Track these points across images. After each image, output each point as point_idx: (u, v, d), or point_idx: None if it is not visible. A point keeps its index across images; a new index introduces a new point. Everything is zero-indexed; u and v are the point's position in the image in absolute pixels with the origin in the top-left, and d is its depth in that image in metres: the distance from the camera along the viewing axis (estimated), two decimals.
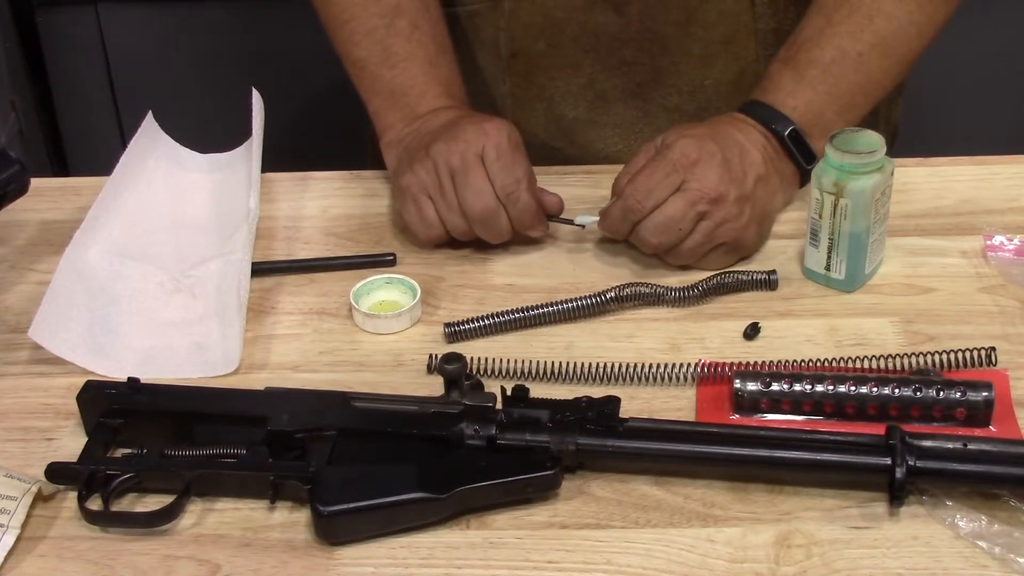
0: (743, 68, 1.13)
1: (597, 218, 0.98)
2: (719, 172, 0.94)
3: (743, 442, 0.78)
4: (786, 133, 1.00)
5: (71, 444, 0.83)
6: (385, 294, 0.97)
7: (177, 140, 1.13)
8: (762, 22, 1.11)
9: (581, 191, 1.10)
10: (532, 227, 0.99)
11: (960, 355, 0.87)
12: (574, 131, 1.17)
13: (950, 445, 0.76)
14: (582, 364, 0.88)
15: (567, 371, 0.88)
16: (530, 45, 1.14)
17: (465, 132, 0.98)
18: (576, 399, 0.81)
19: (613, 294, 0.94)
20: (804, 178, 1.03)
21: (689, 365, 0.87)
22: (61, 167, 2.18)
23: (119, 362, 0.90)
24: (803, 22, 1.04)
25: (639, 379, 0.87)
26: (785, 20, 1.11)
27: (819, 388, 0.82)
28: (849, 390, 0.82)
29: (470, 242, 1.02)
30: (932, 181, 1.10)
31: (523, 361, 0.88)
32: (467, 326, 0.93)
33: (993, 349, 0.88)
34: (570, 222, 1.00)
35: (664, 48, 1.12)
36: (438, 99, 1.06)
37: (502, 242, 1.00)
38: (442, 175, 0.97)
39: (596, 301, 0.94)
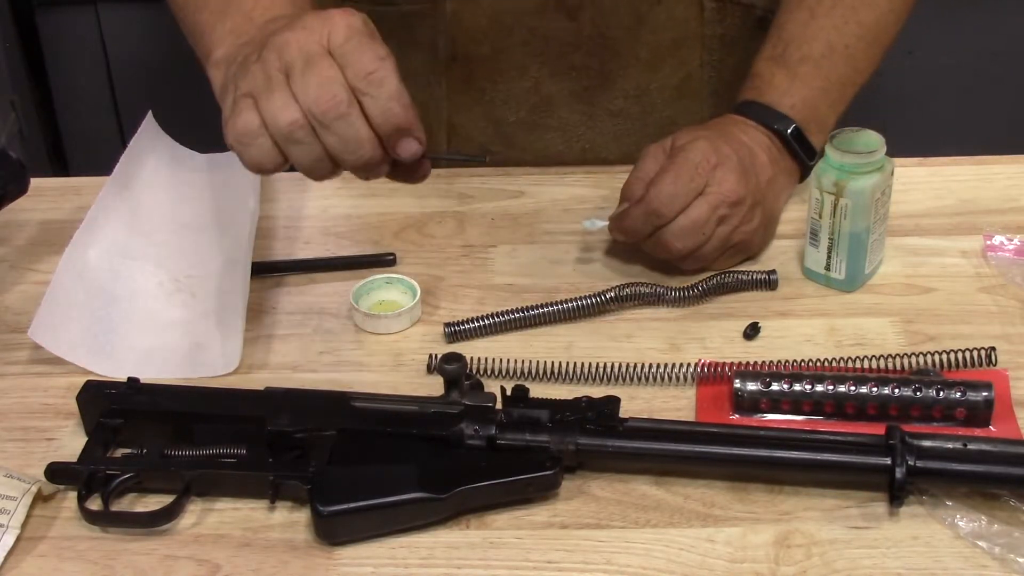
0: (688, 73, 1.13)
1: (606, 222, 0.97)
2: (737, 175, 0.94)
3: (743, 442, 0.78)
4: (788, 132, 1.00)
5: (71, 444, 0.83)
6: (385, 294, 0.97)
7: (177, 140, 1.13)
8: (709, 28, 1.12)
9: (582, 191, 1.10)
10: (406, 128, 0.78)
11: (960, 355, 0.87)
12: (514, 134, 1.15)
13: (950, 445, 0.76)
14: (582, 364, 0.88)
15: (567, 371, 0.88)
16: (472, 49, 1.11)
17: (305, 21, 0.78)
18: (576, 399, 0.81)
19: (613, 294, 0.94)
20: (804, 174, 1.03)
21: (689, 365, 0.87)
22: (61, 167, 2.18)
23: (119, 362, 0.90)
24: (783, 16, 1.04)
25: (639, 379, 0.87)
26: (731, 27, 1.11)
27: (819, 388, 0.82)
28: (849, 390, 0.82)
29: (462, 241, 1.00)
30: (932, 181, 1.10)
31: (523, 361, 0.88)
32: (467, 326, 0.93)
33: (993, 349, 0.88)
34: (468, 158, 0.89)
35: (613, 53, 1.11)
36: (282, 7, 0.89)
37: (370, 171, 0.80)
38: (273, 73, 0.77)
39: (596, 301, 0.94)
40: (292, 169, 0.81)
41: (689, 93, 1.09)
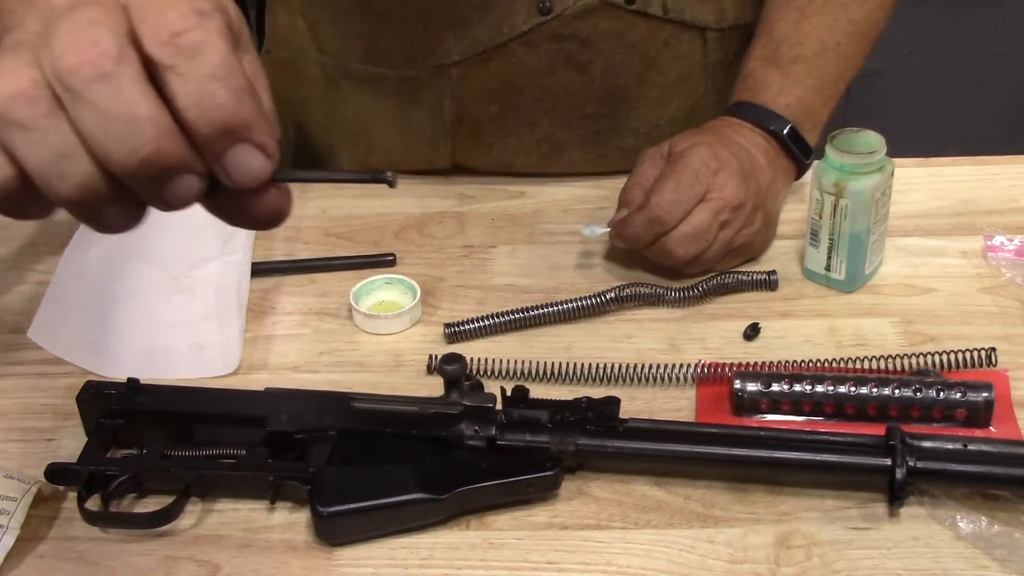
0: (696, 102, 1.13)
1: (606, 229, 0.97)
2: (737, 180, 0.94)
3: (743, 443, 0.78)
4: (784, 132, 1.00)
5: (71, 445, 0.83)
6: (385, 294, 0.97)
7: None
8: (712, 56, 1.12)
9: (582, 191, 1.10)
10: (238, 128, 0.49)
11: (960, 356, 0.87)
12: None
13: (950, 446, 0.76)
14: (582, 364, 0.88)
15: (567, 372, 0.88)
16: (480, 109, 1.10)
17: None
18: (576, 400, 0.81)
19: (613, 294, 0.94)
20: (800, 172, 1.03)
21: (689, 366, 0.87)
22: None
23: (119, 362, 0.90)
24: (773, 15, 1.04)
25: (639, 380, 0.87)
26: (731, 51, 1.11)
27: (819, 389, 0.82)
28: (849, 391, 0.82)
29: (462, 241, 1.01)
30: (932, 181, 1.10)
31: (523, 362, 0.88)
32: (467, 326, 0.93)
33: (993, 350, 0.88)
34: (369, 178, 0.54)
35: (623, 98, 1.11)
36: None
37: (162, 185, 0.49)
38: (22, 37, 0.49)
39: (596, 301, 0.94)
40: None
41: (697, 120, 1.09)
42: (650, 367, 0.87)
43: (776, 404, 0.83)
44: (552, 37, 1.05)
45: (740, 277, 0.97)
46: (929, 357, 0.87)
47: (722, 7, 1.09)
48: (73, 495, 0.78)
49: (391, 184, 0.53)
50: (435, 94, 1.09)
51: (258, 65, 0.53)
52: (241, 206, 0.52)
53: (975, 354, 0.87)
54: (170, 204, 0.50)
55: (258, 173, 0.50)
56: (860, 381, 0.82)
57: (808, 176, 0.99)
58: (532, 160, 1.12)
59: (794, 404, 0.83)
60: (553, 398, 0.81)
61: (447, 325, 0.93)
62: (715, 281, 0.96)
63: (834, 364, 0.87)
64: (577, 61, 1.07)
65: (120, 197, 0.49)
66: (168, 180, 0.49)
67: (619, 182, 0.99)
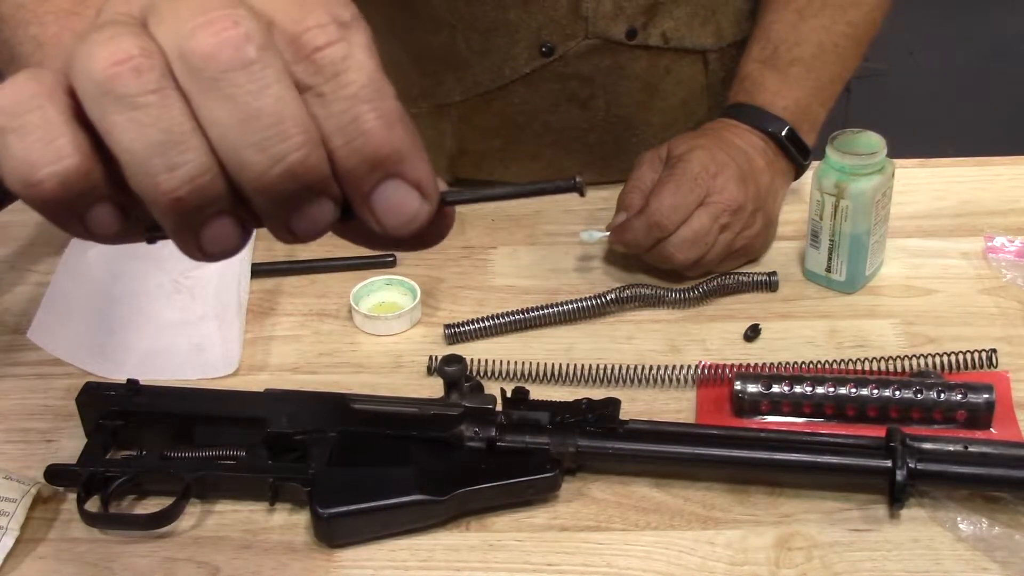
0: (698, 122, 1.13)
1: (604, 233, 0.96)
2: (736, 183, 0.94)
3: (743, 444, 0.77)
4: (783, 134, 1.00)
5: (70, 446, 0.83)
6: (385, 295, 0.97)
7: None
8: (713, 76, 1.12)
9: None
10: (389, 161, 0.41)
11: (961, 357, 0.87)
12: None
13: (951, 447, 0.76)
14: (582, 366, 0.88)
15: (567, 373, 0.88)
16: (482, 144, 1.09)
17: None
18: (576, 401, 0.81)
19: (613, 295, 0.94)
20: (798, 173, 1.03)
21: (689, 367, 0.87)
22: None
23: (118, 363, 0.90)
24: (770, 16, 1.04)
25: (639, 381, 0.87)
26: (731, 68, 1.11)
27: (820, 390, 0.82)
28: (850, 392, 0.82)
29: (463, 242, 1.01)
30: (933, 182, 1.10)
31: (523, 363, 0.88)
32: (467, 327, 0.93)
33: (994, 351, 0.87)
34: (552, 187, 0.46)
35: (626, 126, 1.11)
36: None
37: (304, 208, 0.41)
38: (116, 7, 0.41)
39: (596, 303, 0.94)
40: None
41: None
42: (650, 368, 0.87)
43: (776, 405, 0.83)
44: (554, 77, 1.05)
45: (740, 278, 0.97)
46: (930, 358, 0.87)
47: (720, 28, 1.09)
48: (73, 496, 0.78)
49: (581, 192, 0.45)
50: (436, 132, 1.10)
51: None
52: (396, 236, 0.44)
53: (976, 355, 0.87)
54: (295, 234, 0.42)
55: (411, 216, 0.42)
56: (861, 382, 0.82)
57: (808, 177, 0.99)
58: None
59: (794, 405, 0.83)
60: (553, 399, 0.81)
61: (447, 326, 0.93)
62: (715, 282, 0.96)
63: (835, 365, 0.87)
64: (580, 97, 1.07)
65: (233, 209, 0.40)
66: (305, 203, 0.41)
67: (618, 185, 0.99)
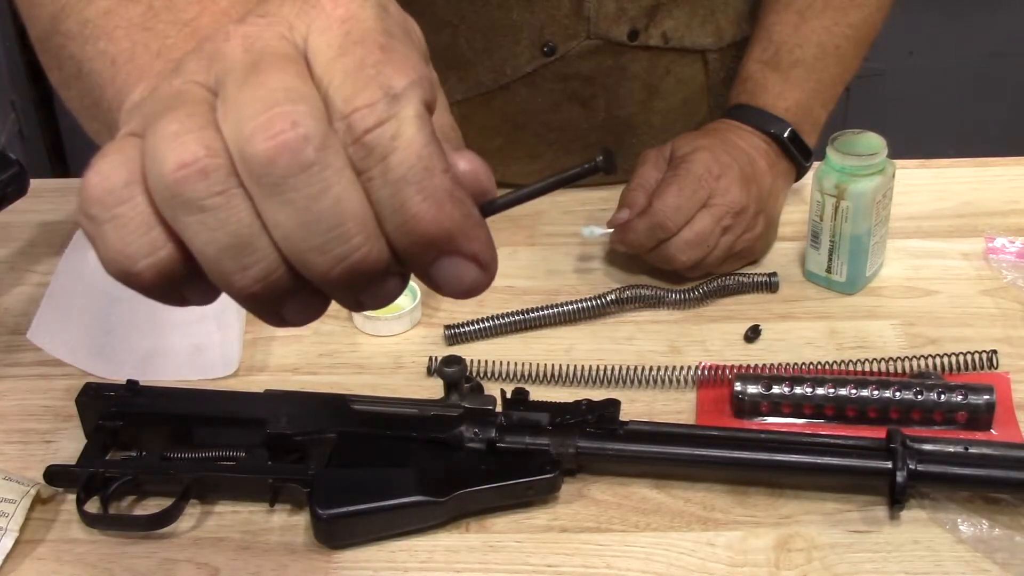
0: (699, 123, 1.13)
1: (606, 230, 0.96)
2: (739, 185, 0.94)
3: (743, 445, 0.77)
4: (785, 135, 1.00)
5: (70, 446, 0.82)
6: None
7: None
8: (714, 76, 1.12)
9: (582, 193, 1.10)
10: (446, 240, 0.41)
11: (961, 358, 0.87)
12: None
13: (951, 449, 0.76)
14: (582, 367, 0.88)
15: (567, 374, 0.88)
16: (483, 143, 1.09)
17: (269, 6, 0.42)
18: (576, 402, 0.81)
19: (613, 296, 0.94)
20: (799, 174, 1.03)
21: (689, 368, 0.87)
22: (61, 167, 2.18)
23: (118, 364, 0.90)
24: (771, 18, 1.04)
25: (639, 382, 0.87)
26: (731, 68, 1.11)
27: (820, 391, 0.82)
28: (850, 393, 0.82)
29: None
30: (933, 183, 1.10)
31: (523, 364, 0.88)
32: (467, 328, 0.93)
33: (994, 352, 0.87)
34: (580, 171, 0.46)
35: (627, 127, 1.11)
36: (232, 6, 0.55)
37: (368, 286, 0.42)
38: (188, 88, 0.41)
39: (596, 303, 0.94)
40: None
41: None
42: (650, 369, 0.87)
43: (777, 406, 0.83)
44: (556, 77, 1.05)
45: (741, 279, 0.97)
46: (930, 359, 0.87)
47: (720, 28, 1.09)
48: (72, 497, 0.78)
49: (609, 168, 0.45)
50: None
51: (449, 119, 0.46)
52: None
53: (976, 357, 0.87)
54: (364, 306, 0.43)
55: (470, 286, 0.43)
56: (861, 383, 0.82)
57: (809, 178, 0.99)
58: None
59: (795, 406, 0.83)
60: (553, 400, 0.81)
61: (447, 327, 0.93)
62: (716, 283, 0.96)
63: (835, 366, 0.87)
64: (581, 97, 1.07)
65: (305, 290, 0.42)
66: (371, 284, 0.41)
67: (619, 185, 0.99)
